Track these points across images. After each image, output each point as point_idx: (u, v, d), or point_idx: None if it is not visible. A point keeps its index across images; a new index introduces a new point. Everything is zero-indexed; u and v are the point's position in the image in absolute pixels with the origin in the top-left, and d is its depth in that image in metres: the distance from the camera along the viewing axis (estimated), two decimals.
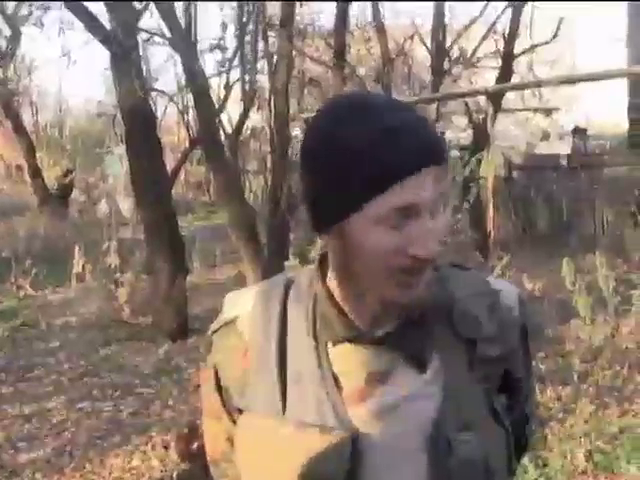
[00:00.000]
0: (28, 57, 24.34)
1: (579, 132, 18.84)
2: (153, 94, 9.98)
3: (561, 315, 7.15)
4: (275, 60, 8.27)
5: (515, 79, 13.55)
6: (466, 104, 13.61)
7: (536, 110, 13.32)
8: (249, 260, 7.44)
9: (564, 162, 13.50)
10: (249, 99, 8.25)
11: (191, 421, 5.06)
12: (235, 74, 8.78)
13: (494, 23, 13.43)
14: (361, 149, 1.11)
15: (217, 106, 8.04)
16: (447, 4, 13.41)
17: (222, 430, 1.34)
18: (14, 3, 17.71)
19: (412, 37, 14.95)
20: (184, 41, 7.29)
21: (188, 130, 11.02)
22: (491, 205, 8.74)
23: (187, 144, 14.99)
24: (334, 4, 10.70)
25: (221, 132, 7.85)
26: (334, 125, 1.14)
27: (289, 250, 8.09)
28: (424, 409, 1.19)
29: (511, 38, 13.11)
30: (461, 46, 13.85)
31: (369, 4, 13.73)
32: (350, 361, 1.21)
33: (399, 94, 15.10)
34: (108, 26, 7.96)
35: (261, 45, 8.52)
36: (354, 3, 11.41)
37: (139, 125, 8.02)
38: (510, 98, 15.37)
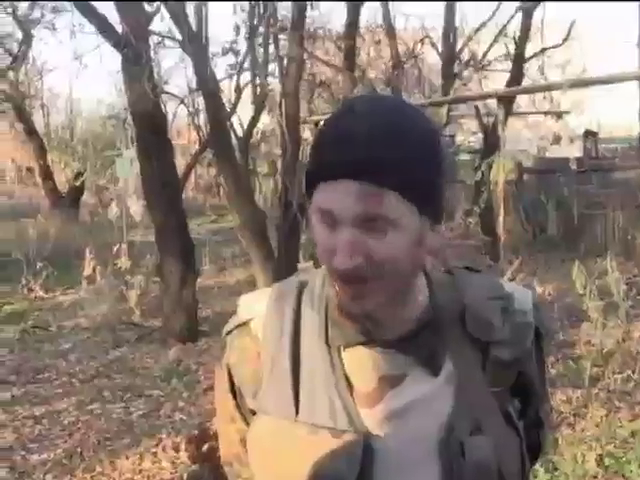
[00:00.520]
0: (40, 60, 24.47)
1: (590, 135, 18.81)
2: (164, 97, 9.99)
3: (572, 319, 7.13)
4: (286, 63, 8.27)
5: (526, 82, 13.53)
6: (476, 107, 13.60)
7: (547, 113, 13.29)
8: (259, 263, 7.44)
9: (575, 165, 13.46)
10: (260, 102, 8.25)
11: (201, 423, 5.08)
12: (246, 77, 8.80)
13: (505, 26, 13.42)
14: (312, 149, 1.17)
15: (228, 109, 8.05)
16: (458, 7, 13.40)
17: (235, 431, 1.34)
18: (25, 6, 17.80)
19: (422, 40, 14.95)
20: (195, 44, 7.30)
21: (199, 133, 11.03)
22: (502, 209, 8.72)
23: (198, 147, 15.02)
24: (345, 8, 10.72)
25: (232, 135, 7.84)
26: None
27: (299, 253, 8.09)
28: (437, 412, 1.19)
29: (522, 41, 13.10)
30: (471, 49, 13.85)
31: (380, 8, 13.73)
32: (363, 364, 1.21)
33: (409, 97, 15.09)
34: (119, 29, 7.98)
35: (272, 48, 8.53)
36: (364, 6, 11.41)
37: (150, 128, 8.04)
38: (521, 101, 15.35)
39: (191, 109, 10.03)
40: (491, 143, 11.74)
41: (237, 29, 8.06)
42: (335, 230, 1.11)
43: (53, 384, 6.83)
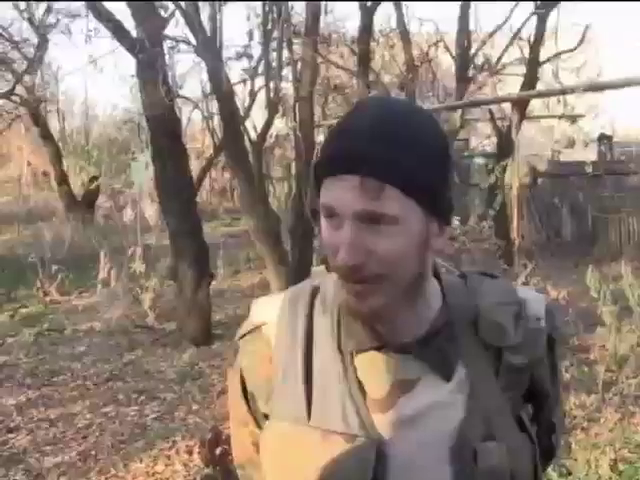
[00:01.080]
0: (55, 65, 24.58)
1: (605, 139, 18.74)
2: (178, 101, 10.02)
3: (586, 323, 7.11)
4: (300, 67, 8.29)
5: (540, 86, 13.48)
6: (490, 111, 13.57)
7: (561, 117, 13.23)
8: (273, 266, 7.45)
9: (589, 169, 13.41)
10: (274, 106, 8.25)
11: (215, 426, 5.08)
12: (260, 81, 8.80)
13: (519, 30, 13.36)
14: (321, 147, 1.19)
15: (242, 113, 8.07)
16: (472, 12, 13.36)
17: (248, 435, 1.35)
18: (41, 12, 17.89)
19: (436, 44, 14.91)
20: (209, 48, 7.33)
21: (213, 137, 11.03)
22: (516, 213, 8.71)
23: (212, 151, 15.04)
24: (359, 12, 10.72)
25: (246, 139, 7.85)
26: None
27: (313, 257, 8.09)
28: (449, 418, 1.19)
29: (536, 45, 13.06)
30: (486, 53, 13.79)
31: (394, 12, 13.71)
32: (376, 369, 1.22)
33: (423, 101, 15.08)
34: (134, 34, 8.02)
35: (286, 52, 8.54)
36: (379, 10, 11.40)
37: (164, 132, 8.07)
38: (535, 105, 15.29)
39: (205, 113, 10.04)
40: (505, 147, 11.72)
41: (251, 34, 8.08)
42: (337, 227, 1.12)
43: (68, 387, 6.87)
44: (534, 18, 13.04)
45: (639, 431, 5.11)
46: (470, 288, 1.29)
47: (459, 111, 12.09)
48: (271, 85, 8.16)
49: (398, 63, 15.20)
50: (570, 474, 4.40)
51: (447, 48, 14.42)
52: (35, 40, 18.84)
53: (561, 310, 7.04)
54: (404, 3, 13.63)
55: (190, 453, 5.11)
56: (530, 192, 13.68)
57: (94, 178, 19.84)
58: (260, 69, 8.51)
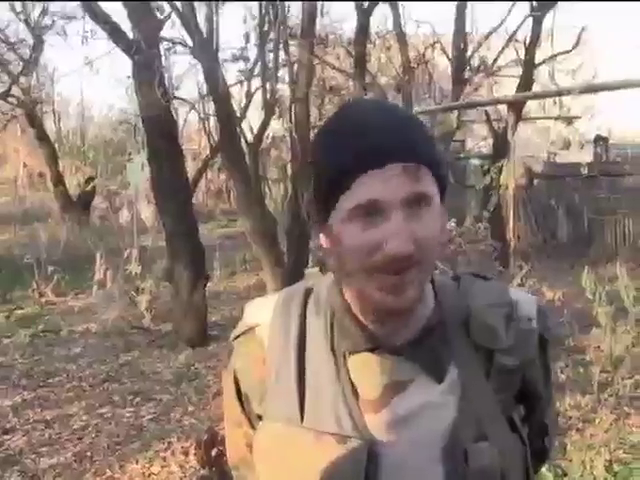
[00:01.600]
0: (51, 66, 24.56)
1: (601, 141, 18.78)
2: (175, 102, 10.02)
3: (581, 324, 7.12)
4: (296, 69, 8.30)
5: (536, 88, 13.51)
6: (487, 113, 13.60)
7: (557, 119, 13.26)
8: (269, 268, 7.46)
9: (585, 171, 13.46)
10: (270, 107, 8.26)
11: (211, 428, 5.08)
12: (256, 82, 8.80)
13: (515, 32, 13.41)
14: (323, 153, 1.19)
15: (238, 114, 8.07)
16: (468, 13, 13.40)
17: (242, 436, 1.36)
18: (37, 13, 17.89)
19: (433, 46, 14.94)
20: (206, 50, 7.33)
21: (209, 138, 11.04)
22: (511, 214, 8.72)
23: (208, 152, 15.04)
24: (355, 13, 10.74)
25: (242, 140, 7.85)
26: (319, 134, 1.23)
27: (309, 258, 8.10)
28: (441, 418, 1.20)
29: (532, 47, 13.10)
30: (482, 55, 13.83)
31: (390, 14, 13.73)
32: (368, 370, 1.22)
33: (420, 103, 15.10)
34: (130, 35, 8.02)
35: (282, 54, 8.55)
36: (375, 12, 11.42)
37: (160, 133, 8.07)
38: (531, 107, 15.32)
39: (202, 114, 10.05)
40: (501, 148, 11.73)
41: (247, 36, 8.10)
42: (377, 222, 1.12)
43: (63, 388, 6.86)
44: (530, 20, 13.07)
45: (634, 432, 5.12)
46: (462, 289, 1.30)
47: (455, 112, 12.13)
48: (267, 86, 8.17)
49: (394, 65, 15.23)
50: (565, 475, 4.40)
51: (443, 50, 14.45)
52: (31, 41, 18.83)
53: (557, 311, 7.05)
54: (400, 4, 13.63)
55: (186, 454, 5.11)
56: (526, 193, 13.69)
57: (90, 179, 19.83)
58: (256, 70, 8.51)
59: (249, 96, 9.18)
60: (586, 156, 17.98)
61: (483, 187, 10.70)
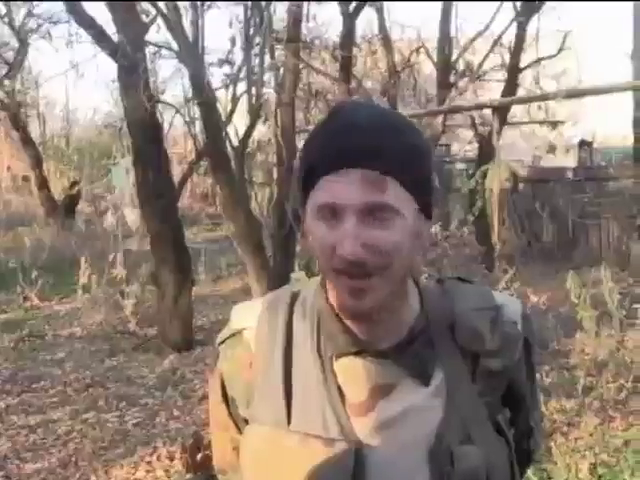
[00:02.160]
0: (36, 69, 24.46)
1: (585, 145, 18.87)
2: (160, 106, 10.00)
3: (566, 328, 7.14)
4: (282, 73, 8.29)
5: (521, 92, 13.57)
6: (472, 117, 13.62)
7: (542, 123, 13.34)
8: (255, 272, 7.44)
9: (570, 175, 13.51)
10: (255, 111, 8.25)
11: (196, 432, 5.08)
12: (242, 87, 8.79)
13: (500, 36, 13.45)
14: (306, 150, 1.21)
15: (224, 118, 8.06)
16: (453, 18, 13.44)
17: (228, 440, 1.36)
18: (21, 16, 17.83)
19: (418, 50, 14.98)
20: (191, 54, 7.32)
21: (194, 142, 11.02)
22: (496, 218, 8.73)
23: (193, 156, 15.00)
24: (341, 18, 10.75)
25: (227, 144, 7.84)
26: None
27: (295, 262, 8.09)
28: (427, 422, 1.20)
29: (517, 51, 13.14)
30: (467, 59, 13.87)
31: (376, 18, 13.78)
32: (354, 374, 1.23)
33: (405, 107, 15.13)
34: (116, 39, 8.00)
35: (268, 58, 8.54)
36: (360, 16, 11.44)
37: (146, 137, 8.05)
38: (516, 111, 15.38)
39: (187, 118, 10.02)
40: (486, 152, 11.75)
41: (233, 40, 8.07)
42: (337, 225, 1.13)
43: (48, 393, 6.82)
44: (515, 24, 13.12)
45: (619, 435, 5.14)
46: (447, 293, 1.30)
47: (440, 117, 12.15)
48: (253, 91, 8.16)
49: (380, 69, 15.26)
50: (550, 478, 4.42)
51: (428, 54, 14.49)
52: (15, 44, 18.77)
53: (541, 315, 7.07)
54: (385, 8, 13.67)
55: (171, 459, 5.10)
56: (511, 197, 13.73)
57: (75, 183, 19.75)
58: (242, 74, 8.49)
59: (235, 100, 9.16)
60: (571, 160, 18.07)
61: (468, 191, 10.72)
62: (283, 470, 1.19)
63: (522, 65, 13.52)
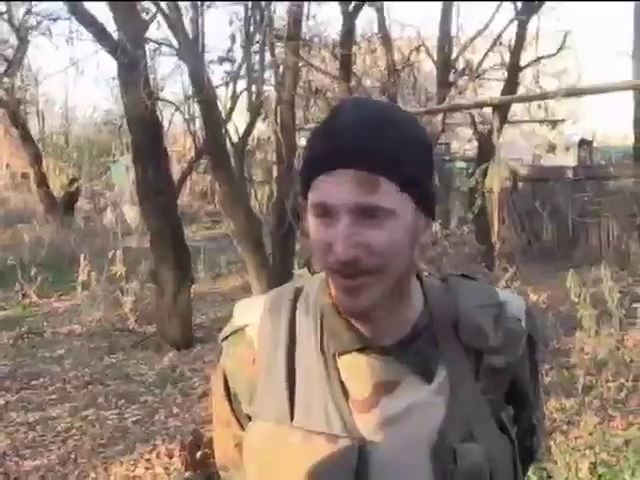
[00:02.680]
0: (35, 66, 24.44)
1: (585, 144, 18.86)
2: (160, 103, 9.99)
3: (566, 327, 7.15)
4: (281, 71, 8.29)
5: (521, 91, 13.56)
6: (472, 116, 13.61)
7: (542, 122, 13.34)
8: (254, 270, 7.44)
9: (570, 174, 13.51)
10: (255, 109, 8.25)
11: (195, 430, 5.08)
12: (242, 84, 8.79)
13: (500, 35, 13.43)
14: (306, 148, 1.20)
15: (223, 116, 8.05)
16: (453, 16, 13.42)
17: (231, 436, 1.35)
18: (22, 13, 17.81)
19: (418, 49, 14.96)
20: (191, 51, 7.31)
21: (194, 139, 11.02)
22: (496, 217, 8.73)
23: (193, 153, 14.99)
24: (341, 16, 10.73)
25: (227, 142, 7.83)
26: None
27: (294, 260, 8.09)
28: (430, 419, 1.20)
29: (517, 50, 13.13)
30: (467, 58, 13.85)
31: (376, 16, 13.76)
32: (358, 370, 1.22)
33: (405, 105, 15.11)
34: (116, 36, 7.99)
35: (268, 56, 8.54)
36: (361, 15, 11.42)
37: (145, 134, 8.05)
38: (516, 110, 15.37)
39: (187, 116, 10.02)
40: (486, 151, 11.76)
41: (233, 37, 8.08)
42: (331, 224, 1.13)
43: (47, 390, 6.82)
44: (515, 23, 13.11)
45: (618, 434, 5.14)
46: (450, 291, 1.30)
47: (440, 115, 12.14)
48: (253, 88, 8.16)
49: (380, 67, 15.24)
50: (550, 477, 4.42)
51: (428, 53, 14.47)
52: (15, 41, 18.75)
53: (541, 314, 7.07)
54: (385, 7, 13.65)
55: (170, 456, 5.09)
56: (511, 196, 13.74)
57: (74, 180, 19.74)
58: (242, 72, 8.49)
59: (234, 98, 9.16)
60: (571, 159, 18.06)
61: (468, 190, 10.73)
62: (286, 466, 1.19)
63: (522, 64, 13.50)
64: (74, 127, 31.48)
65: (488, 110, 10.22)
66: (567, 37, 14.00)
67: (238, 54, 8.40)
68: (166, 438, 5.52)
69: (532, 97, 11.54)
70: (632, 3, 19.42)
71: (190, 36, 7.32)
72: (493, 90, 14.24)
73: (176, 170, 14.31)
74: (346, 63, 11.03)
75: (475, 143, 14.84)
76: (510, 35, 13.34)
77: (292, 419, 1.21)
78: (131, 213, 15.38)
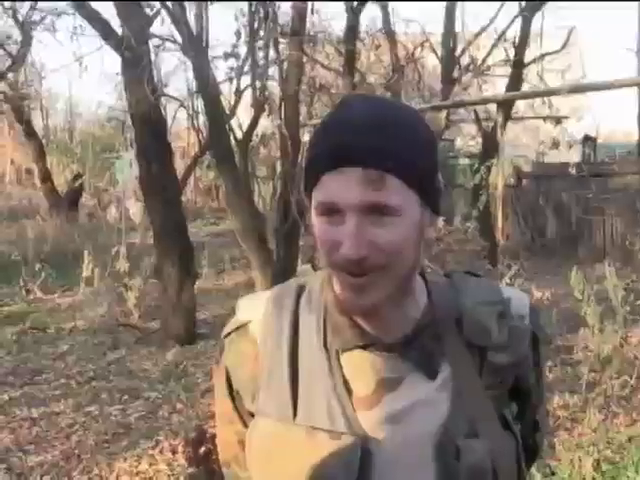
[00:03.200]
0: (39, 62, 24.46)
1: (589, 141, 18.82)
2: (163, 99, 10.00)
3: (570, 324, 7.14)
4: (286, 67, 8.28)
5: (525, 87, 13.54)
6: (476, 112, 13.61)
7: (546, 118, 13.31)
8: (258, 266, 7.44)
9: (573, 171, 13.49)
10: (259, 105, 8.25)
11: (199, 425, 5.07)
12: (246, 80, 8.79)
13: (504, 31, 13.42)
14: (311, 145, 1.19)
15: (227, 112, 8.05)
16: (457, 13, 13.41)
17: (234, 433, 1.35)
18: (26, 9, 17.81)
19: (422, 45, 14.94)
20: (195, 47, 7.31)
21: (198, 135, 11.03)
22: (500, 213, 8.74)
23: (197, 150, 15.00)
24: (345, 12, 10.72)
25: (231, 138, 7.83)
26: None
27: (298, 256, 8.09)
28: (433, 416, 1.20)
29: (521, 47, 13.13)
30: (471, 54, 13.83)
31: (380, 13, 13.75)
32: (361, 367, 1.22)
33: (409, 101, 15.10)
34: (120, 32, 7.99)
35: (272, 52, 8.54)
36: (365, 11, 11.43)
37: (149, 130, 8.05)
38: (520, 106, 15.35)
39: (191, 112, 10.03)
40: (490, 147, 11.77)
41: (238, 33, 8.07)
42: (338, 223, 1.12)
43: (51, 386, 6.83)
44: (519, 20, 13.10)
45: (622, 431, 5.13)
46: (454, 287, 1.29)
47: (444, 112, 12.13)
48: (257, 84, 8.16)
49: (384, 63, 15.23)
50: (554, 474, 4.42)
51: (433, 49, 14.45)
52: (19, 37, 18.76)
53: (545, 311, 7.07)
54: (390, 4, 13.64)
55: (174, 452, 5.09)
56: (515, 193, 13.74)
57: (78, 176, 19.77)
58: (246, 68, 8.49)
59: (239, 94, 9.16)
60: (575, 156, 18.03)
61: (472, 186, 10.73)
62: (289, 463, 1.19)
63: (526, 60, 13.49)
64: (78, 123, 31.55)
65: (492, 106, 10.22)
66: (571, 34, 13.98)
67: (242, 50, 8.40)
68: (169, 434, 5.52)
69: (536, 93, 11.52)
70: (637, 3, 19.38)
71: (194, 32, 7.32)
72: (497, 86, 14.24)
73: (180, 166, 14.31)
74: (350, 59, 11.01)
75: (479, 139, 14.84)
76: (514, 31, 13.33)
77: (295, 416, 1.21)
78: (135, 209, 15.39)
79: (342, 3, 10.87)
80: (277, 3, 8.27)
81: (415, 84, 15.67)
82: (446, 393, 1.21)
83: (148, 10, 8.31)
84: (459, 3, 13.55)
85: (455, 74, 13.38)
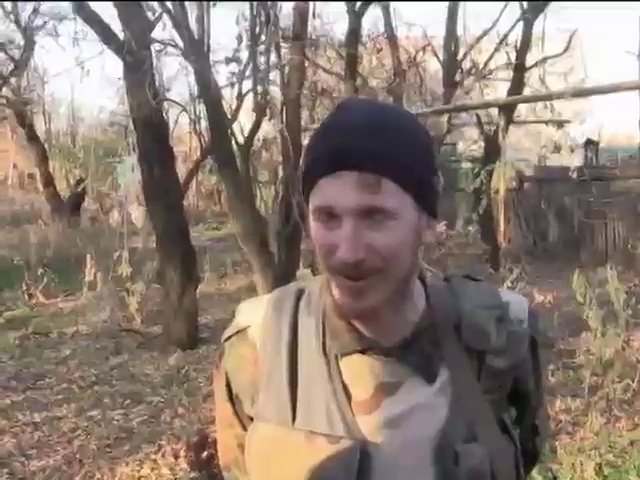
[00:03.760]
0: (42, 66, 24.51)
1: (591, 144, 18.82)
2: (165, 104, 10.01)
3: (572, 328, 7.14)
4: (287, 71, 8.29)
5: (527, 91, 13.56)
6: (478, 116, 13.62)
7: (548, 122, 13.31)
8: (260, 270, 7.44)
9: (575, 174, 13.49)
10: (261, 109, 8.25)
11: (201, 430, 5.07)
12: (247, 84, 8.80)
13: (506, 35, 13.44)
14: (308, 150, 1.19)
15: (229, 116, 8.06)
16: (459, 16, 13.43)
17: (234, 437, 1.35)
18: (27, 13, 17.87)
19: (424, 49, 14.96)
20: (197, 51, 7.32)
21: (200, 140, 11.05)
22: (502, 217, 8.74)
23: (199, 154, 15.02)
24: (347, 16, 10.74)
25: (233, 142, 7.84)
26: None
27: (300, 260, 8.09)
28: (432, 420, 1.20)
29: (523, 50, 13.14)
30: (473, 58, 13.85)
31: (381, 16, 13.77)
32: (360, 371, 1.22)
33: (411, 105, 15.11)
34: (121, 36, 8.00)
35: (274, 56, 8.55)
36: (366, 15, 11.43)
37: (151, 134, 8.06)
38: (522, 110, 15.36)
39: (192, 116, 10.04)
40: (492, 151, 11.76)
41: (239, 38, 8.07)
42: (334, 227, 1.12)
43: (53, 390, 6.83)
44: (521, 23, 13.11)
45: (624, 435, 5.13)
46: (453, 291, 1.29)
47: (446, 115, 12.14)
48: (259, 88, 8.16)
49: (386, 67, 15.24)
50: (555, 478, 4.41)
51: (435, 53, 14.47)
52: (21, 42, 18.80)
53: (547, 314, 7.06)
54: (392, 7, 13.67)
55: (176, 457, 5.09)
56: (517, 196, 13.73)
57: (80, 180, 19.80)
58: (248, 72, 8.50)
59: (240, 98, 9.16)
60: (577, 160, 18.03)
61: (474, 190, 10.73)
62: (288, 467, 1.19)
63: (528, 64, 13.50)
64: (80, 127, 31.58)
65: (494, 110, 10.22)
66: (573, 37, 13.99)
67: (244, 54, 8.41)
68: (172, 438, 5.52)
69: (538, 97, 11.53)
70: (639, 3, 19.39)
71: (195, 36, 7.33)
72: (499, 90, 14.24)
73: (182, 170, 14.33)
74: (352, 63, 11.03)
75: (481, 143, 14.84)
76: (516, 35, 13.34)
77: (294, 420, 1.21)
78: (137, 213, 15.40)
79: (344, 5, 10.89)
80: (279, 6, 8.28)
81: (417, 88, 15.69)
82: (445, 397, 1.21)
83: (150, 14, 8.32)
84: (461, 6, 13.58)
85: (457, 78, 13.40)
